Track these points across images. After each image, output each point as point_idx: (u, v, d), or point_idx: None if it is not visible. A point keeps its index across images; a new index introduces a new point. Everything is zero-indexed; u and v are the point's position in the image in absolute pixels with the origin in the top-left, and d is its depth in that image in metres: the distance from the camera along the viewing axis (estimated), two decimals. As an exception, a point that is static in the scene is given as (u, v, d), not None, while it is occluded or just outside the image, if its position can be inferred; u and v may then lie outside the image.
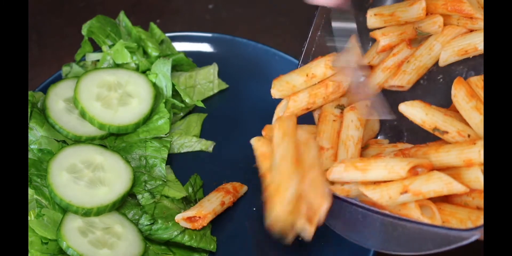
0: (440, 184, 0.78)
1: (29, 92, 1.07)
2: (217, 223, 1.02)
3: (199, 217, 0.98)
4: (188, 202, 1.04)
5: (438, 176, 0.78)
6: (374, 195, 0.81)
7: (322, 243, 0.98)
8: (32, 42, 1.31)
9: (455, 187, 0.77)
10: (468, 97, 0.85)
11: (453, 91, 0.87)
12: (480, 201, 0.81)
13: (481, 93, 0.86)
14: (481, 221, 0.78)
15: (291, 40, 1.30)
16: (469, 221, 0.79)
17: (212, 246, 0.99)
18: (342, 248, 0.96)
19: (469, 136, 0.84)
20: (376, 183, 0.82)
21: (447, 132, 0.85)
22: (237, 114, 1.15)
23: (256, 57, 1.18)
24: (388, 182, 0.81)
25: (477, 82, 0.88)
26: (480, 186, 0.78)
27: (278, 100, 0.97)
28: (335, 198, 0.82)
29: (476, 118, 0.84)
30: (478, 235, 0.74)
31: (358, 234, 0.88)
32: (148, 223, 0.97)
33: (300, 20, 1.37)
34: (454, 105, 0.87)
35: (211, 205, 1.00)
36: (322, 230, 0.92)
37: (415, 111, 0.88)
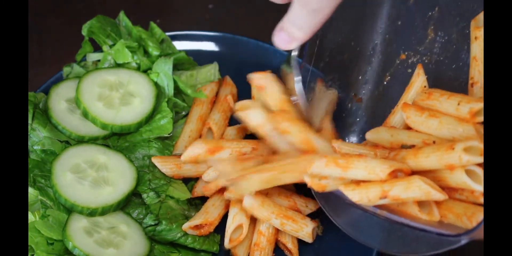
0: (419, 193, 0.78)
1: (31, 93, 1.07)
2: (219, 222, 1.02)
3: (206, 224, 0.98)
4: (191, 203, 1.04)
5: (417, 185, 0.78)
6: (354, 196, 0.81)
7: (329, 239, 1.00)
8: (32, 42, 1.30)
9: (433, 196, 0.78)
10: (419, 112, 0.88)
11: (404, 115, 0.89)
12: (471, 196, 0.81)
13: (430, 103, 0.88)
14: (476, 218, 0.79)
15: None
16: (464, 217, 0.80)
17: (215, 248, 1.00)
18: (348, 244, 0.97)
19: (434, 142, 0.85)
20: (355, 182, 0.83)
21: (414, 145, 0.87)
22: (239, 113, 1.15)
23: (257, 55, 1.18)
24: (367, 182, 0.81)
25: (422, 97, 0.90)
26: (467, 186, 0.78)
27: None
28: (337, 197, 0.83)
29: (434, 124, 0.85)
30: (466, 240, 0.74)
31: (360, 233, 0.89)
32: (152, 224, 0.97)
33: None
34: (411, 127, 0.90)
35: (216, 210, 1.00)
36: (329, 228, 0.93)
37: (382, 135, 0.92)
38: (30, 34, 1.31)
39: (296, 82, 0.95)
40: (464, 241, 0.75)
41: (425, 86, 0.96)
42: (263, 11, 1.36)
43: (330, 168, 0.83)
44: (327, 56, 1.00)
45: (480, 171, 0.76)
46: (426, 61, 0.99)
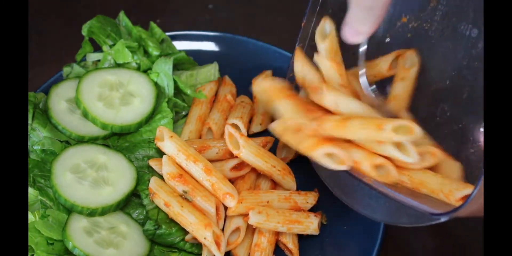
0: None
1: (31, 93, 1.07)
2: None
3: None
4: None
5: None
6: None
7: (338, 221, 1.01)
8: (32, 42, 1.30)
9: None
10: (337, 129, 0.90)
11: (315, 155, 0.89)
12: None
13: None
14: (454, 195, 0.81)
15: (291, 39, 1.30)
16: (441, 193, 0.82)
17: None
18: (356, 223, 0.98)
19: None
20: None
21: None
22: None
23: (257, 54, 1.18)
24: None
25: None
26: (397, 158, 0.83)
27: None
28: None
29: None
30: (446, 218, 0.77)
31: (362, 206, 0.91)
32: (152, 228, 0.97)
33: (299, 20, 1.37)
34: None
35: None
36: (337, 210, 0.96)
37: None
38: (30, 34, 1.31)
39: (361, 76, 0.98)
40: (444, 219, 0.78)
41: None
42: (263, 11, 1.37)
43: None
44: (330, 13, 1.00)
45: (408, 144, 0.81)
46: (426, 27, 1.00)
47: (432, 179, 0.85)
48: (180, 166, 0.98)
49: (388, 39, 1.04)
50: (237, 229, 0.97)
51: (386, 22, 1.03)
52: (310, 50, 1.00)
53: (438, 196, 0.84)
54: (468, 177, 0.88)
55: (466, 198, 0.80)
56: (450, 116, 0.94)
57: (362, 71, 0.99)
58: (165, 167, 0.97)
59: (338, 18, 0.98)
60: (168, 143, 0.98)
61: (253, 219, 0.94)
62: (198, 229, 0.93)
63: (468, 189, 0.81)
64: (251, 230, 0.99)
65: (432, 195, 0.85)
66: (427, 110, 0.97)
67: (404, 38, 1.02)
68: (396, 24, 1.03)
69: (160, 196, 0.96)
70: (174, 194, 0.96)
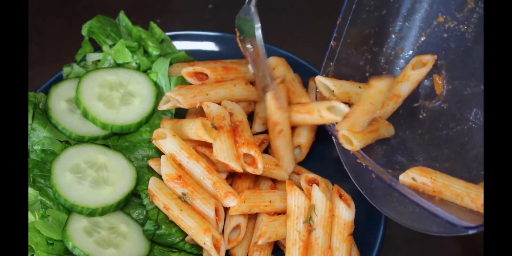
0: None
1: (31, 93, 1.07)
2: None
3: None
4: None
5: None
6: None
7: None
8: (32, 42, 1.31)
9: None
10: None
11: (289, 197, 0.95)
12: None
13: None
14: (481, 200, 0.80)
15: (290, 39, 1.30)
16: (467, 197, 0.81)
17: None
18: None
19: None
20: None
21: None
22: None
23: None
24: None
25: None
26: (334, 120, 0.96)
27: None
28: (359, 163, 0.89)
29: None
30: (474, 230, 0.76)
31: (390, 209, 0.92)
32: (152, 229, 0.97)
33: (299, 20, 1.37)
34: None
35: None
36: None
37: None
38: (30, 34, 1.31)
39: (256, 29, 1.01)
40: (472, 231, 0.77)
41: None
42: (263, 11, 1.36)
43: None
44: (364, 12, 1.01)
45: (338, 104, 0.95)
46: (463, 29, 0.99)
47: (457, 182, 0.84)
48: (180, 166, 0.98)
49: (423, 38, 1.04)
50: (237, 227, 0.97)
51: (422, 20, 1.03)
52: (344, 49, 1.01)
53: (463, 201, 0.82)
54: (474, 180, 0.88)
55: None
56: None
57: (257, 25, 1.03)
58: (163, 168, 0.97)
59: (373, 18, 1.00)
60: (170, 141, 0.98)
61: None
62: (198, 234, 0.93)
63: None
64: (249, 229, 0.99)
65: (456, 200, 0.83)
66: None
67: (439, 38, 1.02)
68: (433, 22, 1.02)
69: (159, 198, 0.96)
70: (173, 196, 0.96)
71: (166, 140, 0.98)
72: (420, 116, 1.02)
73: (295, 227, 0.92)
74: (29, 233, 0.92)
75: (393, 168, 0.97)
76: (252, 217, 1.01)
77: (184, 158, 0.97)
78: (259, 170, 0.96)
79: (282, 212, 0.98)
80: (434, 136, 0.99)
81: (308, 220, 0.93)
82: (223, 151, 0.96)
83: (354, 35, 1.01)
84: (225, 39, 1.20)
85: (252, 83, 1.11)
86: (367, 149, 0.94)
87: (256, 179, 1.04)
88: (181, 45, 1.20)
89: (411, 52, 1.05)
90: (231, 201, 0.95)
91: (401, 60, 1.06)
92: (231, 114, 1.02)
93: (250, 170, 0.97)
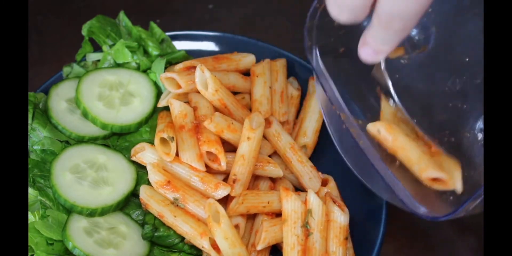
0: None
1: (31, 93, 1.07)
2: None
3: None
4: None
5: None
6: None
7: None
8: (32, 42, 1.30)
9: None
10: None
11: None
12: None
13: None
14: (426, 173, 0.79)
15: (290, 39, 1.30)
16: (416, 165, 0.81)
17: None
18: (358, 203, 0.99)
19: None
20: None
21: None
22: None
23: (257, 55, 1.18)
24: None
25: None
26: None
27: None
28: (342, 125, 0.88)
29: None
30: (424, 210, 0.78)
31: (373, 184, 0.91)
32: (150, 232, 0.97)
33: (299, 20, 1.36)
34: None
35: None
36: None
37: None
38: (30, 34, 1.31)
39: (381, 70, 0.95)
40: (423, 209, 0.78)
41: None
42: (263, 11, 1.36)
43: None
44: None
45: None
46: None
47: (415, 148, 0.83)
48: (166, 171, 0.98)
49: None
50: (236, 227, 0.97)
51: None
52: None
53: (412, 167, 0.82)
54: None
55: (437, 181, 0.80)
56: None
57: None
58: (151, 176, 0.97)
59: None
60: (149, 151, 1.00)
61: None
62: (194, 238, 0.93)
63: (442, 174, 0.79)
64: (248, 230, 0.99)
65: (407, 163, 0.83)
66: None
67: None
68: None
69: (152, 206, 0.97)
70: (165, 202, 0.96)
71: (145, 151, 1.00)
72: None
73: (293, 232, 0.92)
74: (29, 233, 0.92)
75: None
76: (251, 217, 1.01)
77: (167, 163, 0.99)
78: (222, 167, 0.97)
79: (281, 213, 0.98)
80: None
81: (306, 225, 0.93)
82: (185, 152, 0.98)
83: None
84: (225, 39, 1.20)
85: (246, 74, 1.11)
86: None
87: (255, 179, 1.04)
88: (181, 45, 1.20)
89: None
90: (222, 191, 0.95)
91: None
92: (195, 108, 1.02)
93: (214, 166, 0.98)
